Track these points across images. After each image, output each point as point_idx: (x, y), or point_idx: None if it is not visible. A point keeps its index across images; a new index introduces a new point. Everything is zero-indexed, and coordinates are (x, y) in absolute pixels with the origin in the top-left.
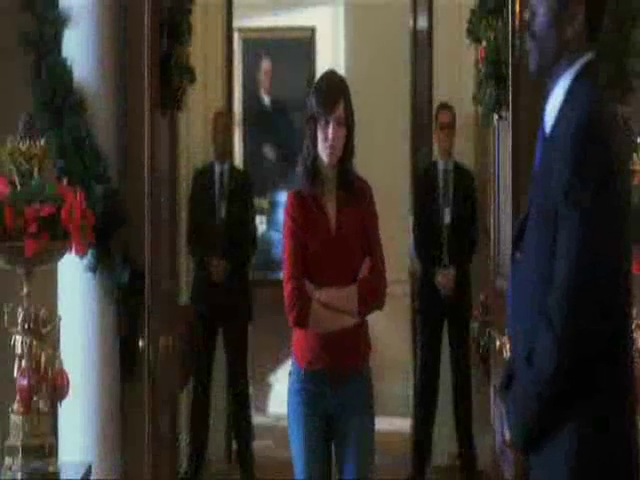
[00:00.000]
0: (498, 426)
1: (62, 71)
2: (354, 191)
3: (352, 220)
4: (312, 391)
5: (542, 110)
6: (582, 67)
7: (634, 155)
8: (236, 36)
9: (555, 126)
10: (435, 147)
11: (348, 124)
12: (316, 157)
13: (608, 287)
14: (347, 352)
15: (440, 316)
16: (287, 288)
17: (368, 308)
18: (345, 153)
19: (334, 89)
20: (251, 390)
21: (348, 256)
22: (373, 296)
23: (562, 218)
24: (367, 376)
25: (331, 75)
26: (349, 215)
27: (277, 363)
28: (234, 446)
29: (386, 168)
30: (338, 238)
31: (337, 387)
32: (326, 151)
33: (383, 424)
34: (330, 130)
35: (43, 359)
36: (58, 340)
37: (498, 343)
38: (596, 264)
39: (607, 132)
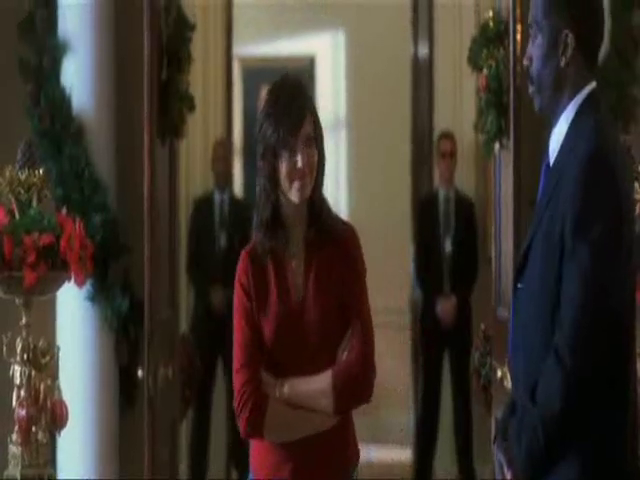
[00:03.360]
0: (498, 474)
1: (61, 99)
2: (330, 236)
3: (327, 281)
4: None
5: (545, 140)
6: (585, 98)
7: (636, 184)
8: (236, 64)
9: (559, 157)
10: (436, 175)
11: (318, 143)
12: (277, 199)
13: (619, 323)
14: (323, 463)
15: (441, 345)
16: (236, 382)
17: (349, 403)
18: (317, 183)
19: (295, 100)
20: None
21: (321, 332)
22: (355, 387)
23: (570, 250)
24: None
25: (287, 82)
26: (322, 273)
27: None
28: (234, 476)
29: (386, 196)
30: (307, 308)
31: None
32: (295, 185)
33: (383, 454)
34: (299, 156)
35: (42, 389)
36: (57, 370)
37: (499, 373)
38: (606, 299)
39: (614, 164)
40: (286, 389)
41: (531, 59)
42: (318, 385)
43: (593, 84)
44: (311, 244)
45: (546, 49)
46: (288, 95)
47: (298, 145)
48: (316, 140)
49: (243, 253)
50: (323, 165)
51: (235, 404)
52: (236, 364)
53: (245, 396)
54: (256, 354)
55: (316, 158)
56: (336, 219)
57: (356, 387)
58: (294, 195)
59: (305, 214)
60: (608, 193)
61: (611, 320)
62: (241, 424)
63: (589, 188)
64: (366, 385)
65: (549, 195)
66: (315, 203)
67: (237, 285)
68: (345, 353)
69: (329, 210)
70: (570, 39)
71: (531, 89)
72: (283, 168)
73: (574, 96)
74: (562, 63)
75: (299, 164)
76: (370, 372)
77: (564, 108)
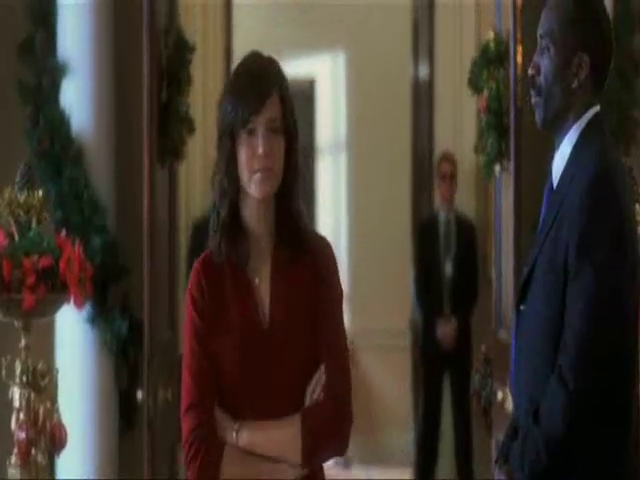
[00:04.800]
0: None
1: (60, 121)
2: (302, 251)
3: (297, 304)
4: None
5: (546, 162)
6: (589, 120)
7: (637, 206)
8: None
9: (563, 180)
10: (436, 197)
11: (288, 131)
12: (236, 196)
13: (623, 344)
14: None
15: (441, 367)
16: (185, 424)
17: (320, 454)
18: (286, 182)
19: (260, 76)
20: None
21: (289, 366)
22: (328, 435)
23: (574, 272)
24: None
25: (254, 58)
26: (292, 295)
27: None
28: None
29: (387, 217)
30: (272, 335)
31: None
32: (256, 177)
33: (384, 474)
34: (260, 140)
35: (41, 412)
36: (56, 393)
37: (500, 395)
38: (611, 321)
39: (617, 186)
40: (245, 434)
41: (538, 69)
42: (284, 431)
43: (597, 107)
44: (279, 258)
45: (558, 67)
46: (252, 70)
47: (258, 127)
48: (285, 127)
49: (196, 264)
50: (296, 162)
51: (184, 452)
52: (185, 401)
53: (196, 444)
54: (209, 389)
55: (283, 148)
56: (310, 231)
57: (329, 436)
58: (254, 189)
59: (271, 220)
60: (612, 215)
61: (615, 342)
62: (191, 477)
63: (593, 210)
64: (341, 434)
65: (552, 217)
66: (283, 206)
67: (188, 300)
68: (316, 394)
69: (301, 219)
70: (585, 62)
71: (535, 99)
72: (242, 155)
73: (579, 118)
74: (574, 84)
75: (260, 149)
76: (346, 419)
77: (568, 129)
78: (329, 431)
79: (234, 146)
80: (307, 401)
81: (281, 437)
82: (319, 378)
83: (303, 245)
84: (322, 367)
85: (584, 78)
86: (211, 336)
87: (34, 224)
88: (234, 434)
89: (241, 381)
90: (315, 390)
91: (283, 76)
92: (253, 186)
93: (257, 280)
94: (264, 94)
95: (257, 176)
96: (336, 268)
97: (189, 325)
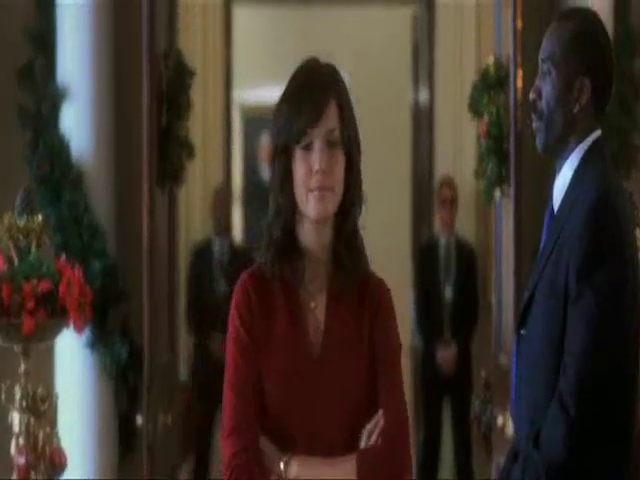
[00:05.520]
0: None
1: (60, 146)
2: (360, 281)
3: (355, 335)
4: None
5: (546, 187)
6: (590, 146)
7: (637, 231)
8: (236, 111)
9: (564, 205)
10: (436, 221)
11: (348, 144)
12: (292, 216)
13: (623, 369)
14: None
15: (441, 392)
16: (226, 449)
17: None
18: (346, 202)
19: (316, 84)
20: None
21: (337, 400)
22: (386, 478)
23: (575, 296)
24: None
25: (311, 64)
26: (350, 325)
27: None
28: None
29: (387, 242)
30: (322, 366)
31: None
32: (312, 195)
33: None
34: (317, 154)
35: (41, 437)
36: (56, 417)
37: (500, 420)
38: (611, 346)
39: (618, 211)
40: (295, 468)
41: (539, 94)
42: (338, 471)
43: (598, 132)
44: (336, 287)
45: (560, 91)
46: (308, 77)
47: (315, 140)
48: (346, 141)
49: (244, 275)
50: (357, 182)
51: (224, 478)
52: (228, 423)
53: (237, 470)
54: (255, 411)
55: (343, 164)
56: (369, 267)
57: (388, 477)
58: (311, 208)
59: (329, 244)
60: (612, 240)
61: (615, 367)
62: None
63: (593, 235)
64: (401, 473)
65: (553, 242)
66: (342, 230)
67: (233, 314)
68: (373, 438)
69: (361, 247)
70: (587, 86)
71: (536, 124)
72: (298, 172)
73: (580, 142)
74: (575, 109)
75: (317, 166)
76: (407, 464)
77: (569, 154)
78: (387, 474)
79: (289, 162)
80: (363, 443)
81: (334, 476)
82: (377, 421)
83: (360, 274)
84: (380, 412)
85: (585, 102)
86: (258, 354)
87: (33, 248)
88: (282, 465)
89: (287, 411)
90: (373, 433)
91: (342, 83)
92: (309, 206)
93: (312, 304)
94: (321, 104)
95: (314, 195)
96: (395, 316)
97: (234, 340)
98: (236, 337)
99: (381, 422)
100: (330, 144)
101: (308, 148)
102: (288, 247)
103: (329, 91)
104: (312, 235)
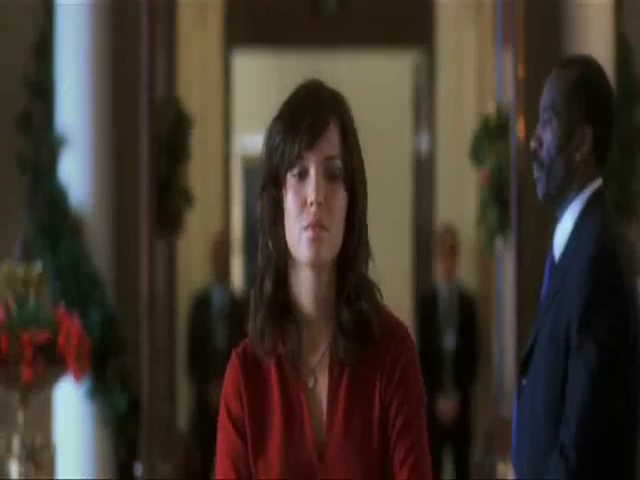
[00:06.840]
0: None
1: (58, 195)
2: (371, 339)
3: (361, 417)
4: None
5: (547, 236)
6: (591, 196)
7: (638, 279)
8: (236, 160)
9: (565, 254)
10: (437, 270)
11: (351, 177)
12: (284, 260)
13: (624, 420)
14: None
15: (441, 441)
16: None
17: None
18: (349, 246)
19: (315, 104)
20: None
21: None
22: None
23: (576, 346)
24: None
25: (312, 84)
26: (359, 402)
27: None
28: None
29: (387, 291)
30: (329, 461)
31: None
32: (306, 235)
33: None
34: (312, 183)
35: None
36: (55, 467)
37: (500, 470)
38: (612, 396)
39: (619, 261)
40: None
41: (540, 142)
42: None
43: (599, 181)
44: (339, 353)
45: (561, 140)
46: (307, 96)
47: (311, 167)
48: (347, 171)
49: (234, 356)
50: (362, 224)
51: None
52: None
53: None
54: None
55: (344, 202)
56: (384, 314)
57: None
58: (303, 250)
59: (329, 299)
60: (613, 290)
61: (616, 417)
62: None
63: (595, 285)
64: None
65: (554, 291)
66: (346, 284)
67: (222, 405)
68: None
69: (371, 298)
70: (588, 135)
71: (537, 173)
72: (289, 205)
73: (581, 192)
74: (576, 158)
75: (311, 197)
76: None
77: (570, 202)
78: None
79: (280, 194)
80: None
81: None
82: None
83: (374, 337)
84: None
85: (587, 151)
86: (249, 456)
87: (32, 297)
88: None
89: None
90: None
91: (347, 107)
92: (301, 248)
93: (311, 382)
94: (320, 124)
95: (307, 234)
96: (418, 366)
97: (222, 437)
98: (224, 435)
99: None
100: (329, 175)
101: (303, 176)
102: (280, 307)
103: (330, 111)
104: (308, 288)
